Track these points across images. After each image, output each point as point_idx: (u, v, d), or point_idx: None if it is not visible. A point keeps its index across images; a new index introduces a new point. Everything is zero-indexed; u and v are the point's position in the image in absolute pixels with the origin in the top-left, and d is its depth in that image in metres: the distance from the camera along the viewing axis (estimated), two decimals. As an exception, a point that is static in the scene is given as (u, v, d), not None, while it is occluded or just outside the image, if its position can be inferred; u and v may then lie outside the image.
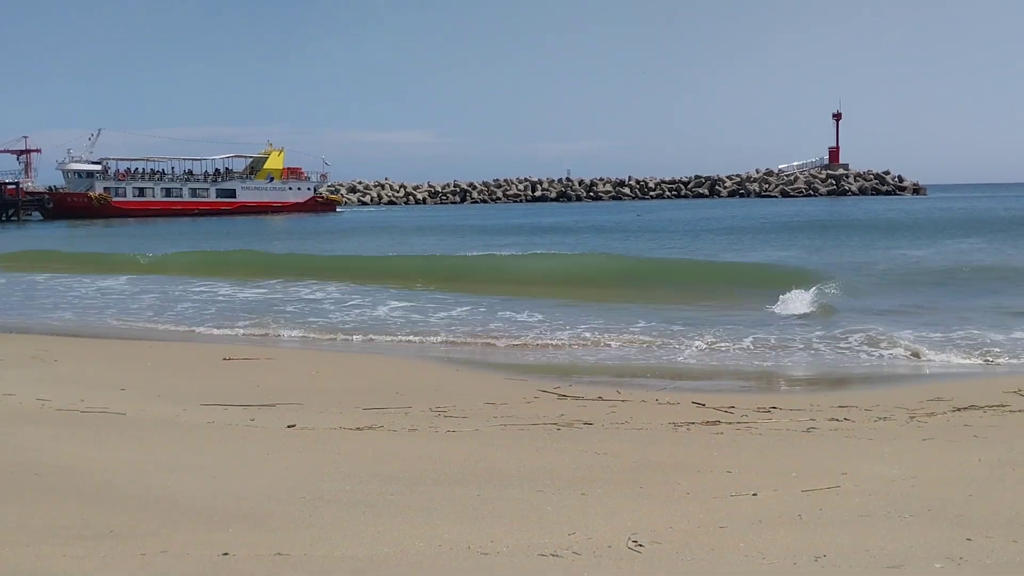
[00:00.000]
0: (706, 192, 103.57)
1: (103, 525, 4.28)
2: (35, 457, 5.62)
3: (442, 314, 15.28)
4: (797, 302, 15.39)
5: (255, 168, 78.13)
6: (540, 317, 14.50)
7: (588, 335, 12.72)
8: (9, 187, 69.03)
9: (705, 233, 40.51)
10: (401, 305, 16.61)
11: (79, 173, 71.98)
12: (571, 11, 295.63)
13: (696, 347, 11.71)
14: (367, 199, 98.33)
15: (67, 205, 69.10)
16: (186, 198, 74.52)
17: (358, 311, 16.17)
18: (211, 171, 77.00)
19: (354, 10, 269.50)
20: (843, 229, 40.27)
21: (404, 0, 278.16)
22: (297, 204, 77.07)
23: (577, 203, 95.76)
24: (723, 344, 11.87)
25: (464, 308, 15.87)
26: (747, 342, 11.98)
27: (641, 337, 12.48)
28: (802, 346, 11.80)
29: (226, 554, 3.93)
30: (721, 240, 35.80)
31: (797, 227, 42.64)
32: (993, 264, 22.36)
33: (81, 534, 4.14)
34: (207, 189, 75.62)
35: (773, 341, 12.13)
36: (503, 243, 34.72)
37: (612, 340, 12.33)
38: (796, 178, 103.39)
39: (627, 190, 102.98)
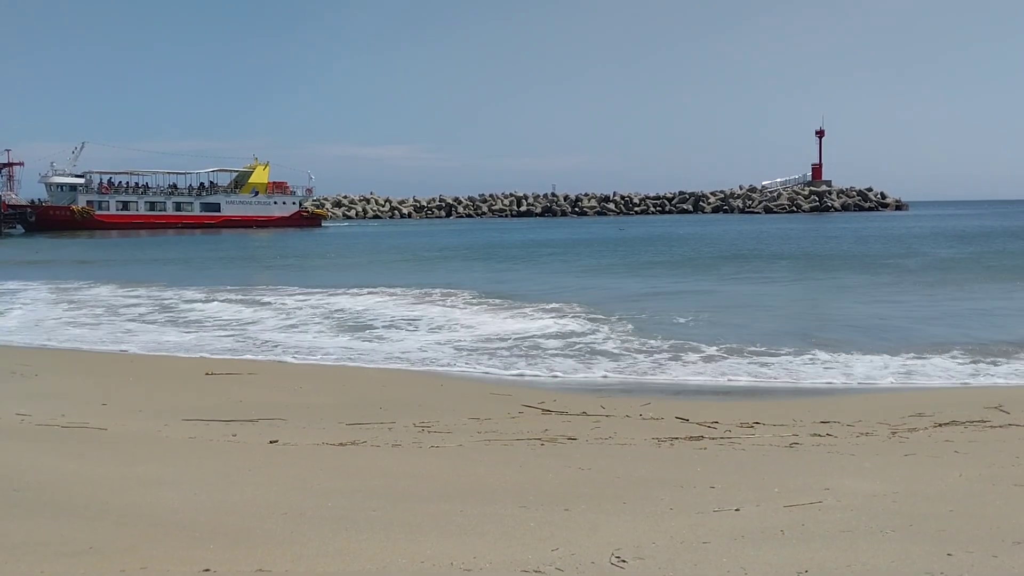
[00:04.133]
0: (690, 208, 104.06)
1: (83, 541, 4.25)
2: (14, 473, 5.57)
3: None
4: None
5: (240, 182, 77.87)
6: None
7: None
8: (-9, 200, 68.59)
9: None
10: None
11: (62, 186, 71.60)
12: (556, 28, 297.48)
13: None
14: (352, 213, 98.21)
15: (50, 218, 68.72)
16: (170, 212, 74.21)
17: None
18: (195, 185, 76.74)
19: (338, 25, 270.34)
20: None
21: (387, 15, 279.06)
22: (282, 219, 76.85)
23: (562, 218, 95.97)
24: None
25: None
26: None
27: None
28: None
29: (207, 570, 3.91)
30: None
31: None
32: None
33: (60, 551, 4.10)
34: (191, 203, 75.33)
35: None
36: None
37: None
38: (779, 195, 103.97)
39: (612, 205, 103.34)
